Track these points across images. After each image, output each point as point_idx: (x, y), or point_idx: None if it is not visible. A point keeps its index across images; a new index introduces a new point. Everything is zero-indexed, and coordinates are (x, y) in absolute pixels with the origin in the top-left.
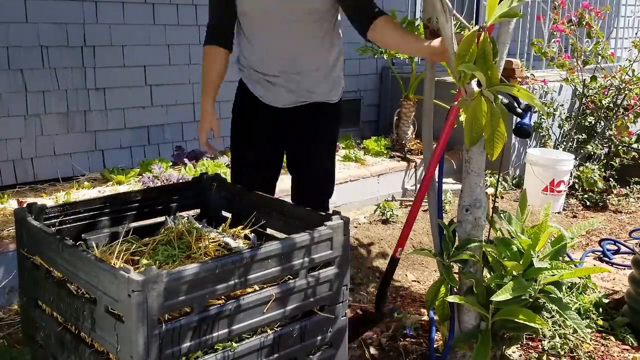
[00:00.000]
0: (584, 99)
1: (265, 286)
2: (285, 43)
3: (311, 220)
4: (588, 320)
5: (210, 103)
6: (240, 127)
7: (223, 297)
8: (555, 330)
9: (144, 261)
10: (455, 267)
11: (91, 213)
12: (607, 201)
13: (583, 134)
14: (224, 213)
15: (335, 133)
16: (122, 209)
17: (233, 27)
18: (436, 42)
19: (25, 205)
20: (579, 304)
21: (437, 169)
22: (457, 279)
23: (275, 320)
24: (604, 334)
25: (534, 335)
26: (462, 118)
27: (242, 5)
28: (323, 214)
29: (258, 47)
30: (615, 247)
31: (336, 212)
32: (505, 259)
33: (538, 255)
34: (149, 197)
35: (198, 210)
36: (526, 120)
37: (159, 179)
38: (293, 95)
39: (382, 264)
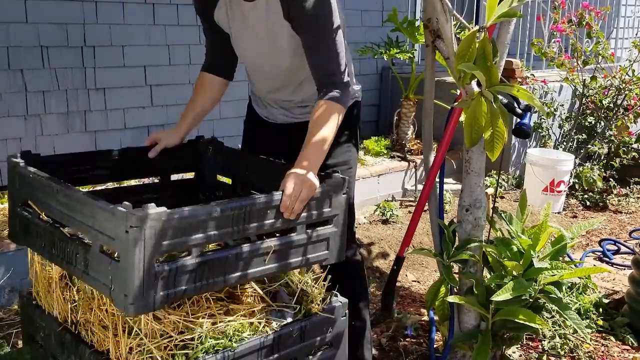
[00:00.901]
0: (584, 99)
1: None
2: (271, 83)
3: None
4: (588, 321)
5: (182, 126)
6: (246, 137)
7: (222, 244)
8: (556, 330)
9: None
10: (455, 267)
11: (86, 167)
12: (607, 201)
13: (583, 134)
14: (220, 178)
15: (346, 150)
16: (117, 165)
17: (232, 57)
18: (310, 177)
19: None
20: (579, 304)
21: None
22: (457, 279)
23: (274, 273)
24: (604, 334)
25: (534, 336)
26: (462, 118)
27: (232, 43)
28: (322, 174)
29: (252, 74)
30: (615, 247)
31: (335, 172)
32: (506, 259)
33: (538, 256)
34: (144, 156)
35: (193, 174)
36: (526, 121)
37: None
38: (287, 117)
39: (382, 264)
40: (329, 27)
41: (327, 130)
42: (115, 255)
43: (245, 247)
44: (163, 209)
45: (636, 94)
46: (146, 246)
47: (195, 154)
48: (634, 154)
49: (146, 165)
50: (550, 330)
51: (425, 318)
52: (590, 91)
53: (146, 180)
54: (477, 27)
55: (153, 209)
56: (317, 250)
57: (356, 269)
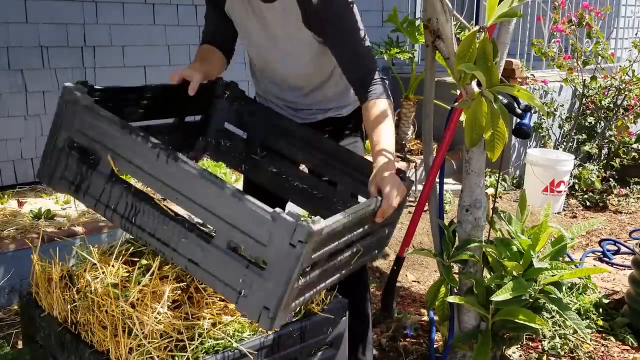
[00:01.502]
0: (584, 99)
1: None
2: (283, 84)
3: (360, 167)
4: (588, 321)
5: (199, 66)
6: None
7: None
8: (556, 330)
9: (144, 262)
10: (456, 268)
11: (120, 104)
12: (607, 201)
13: (583, 134)
14: (230, 127)
15: (353, 141)
16: (148, 103)
17: (233, 45)
18: (387, 175)
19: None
20: (579, 305)
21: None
22: (457, 279)
23: (355, 270)
24: (604, 335)
25: (534, 336)
26: (462, 118)
27: (241, 37)
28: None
29: (262, 72)
30: (615, 248)
31: (401, 170)
32: (505, 259)
33: (538, 256)
34: (166, 94)
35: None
36: (526, 121)
37: None
38: (298, 119)
39: (382, 264)
40: (355, 29)
41: (391, 127)
42: (262, 262)
43: (348, 252)
44: (324, 223)
45: (636, 94)
46: (303, 260)
47: (210, 96)
48: (634, 154)
49: (164, 104)
50: (550, 331)
51: (425, 318)
52: (590, 91)
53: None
54: (477, 27)
55: (320, 224)
56: (380, 246)
57: (359, 270)
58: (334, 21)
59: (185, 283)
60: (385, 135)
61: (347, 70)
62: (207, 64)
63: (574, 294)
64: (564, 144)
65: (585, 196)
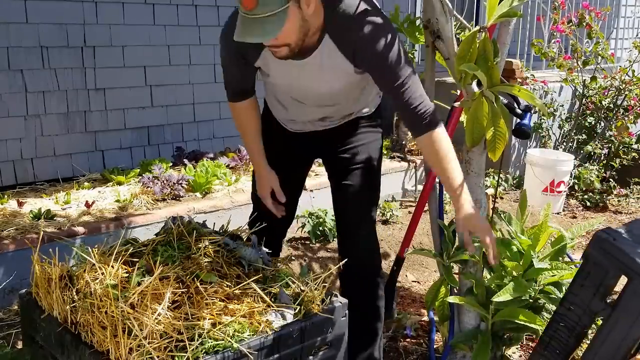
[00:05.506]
0: (584, 100)
1: None
2: (309, 113)
3: None
4: None
5: (262, 159)
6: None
7: None
8: None
9: (144, 262)
10: (456, 268)
11: None
12: (607, 202)
13: (583, 135)
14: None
15: (373, 136)
16: None
17: (254, 83)
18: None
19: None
20: None
21: None
22: (457, 280)
23: None
24: None
25: (534, 336)
26: (462, 118)
27: (269, 79)
28: None
29: (288, 106)
30: None
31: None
32: (506, 260)
33: (538, 256)
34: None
35: None
36: (526, 121)
37: (159, 180)
38: (320, 127)
39: (382, 264)
40: (400, 63)
41: (453, 158)
42: None
43: None
44: None
45: (636, 94)
46: None
47: None
48: (634, 154)
49: None
50: None
51: (425, 318)
52: (590, 92)
53: None
54: (477, 28)
55: None
56: None
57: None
58: (379, 62)
59: (185, 284)
60: (455, 170)
61: (397, 107)
62: (258, 131)
63: None
64: (564, 144)
65: (585, 196)
